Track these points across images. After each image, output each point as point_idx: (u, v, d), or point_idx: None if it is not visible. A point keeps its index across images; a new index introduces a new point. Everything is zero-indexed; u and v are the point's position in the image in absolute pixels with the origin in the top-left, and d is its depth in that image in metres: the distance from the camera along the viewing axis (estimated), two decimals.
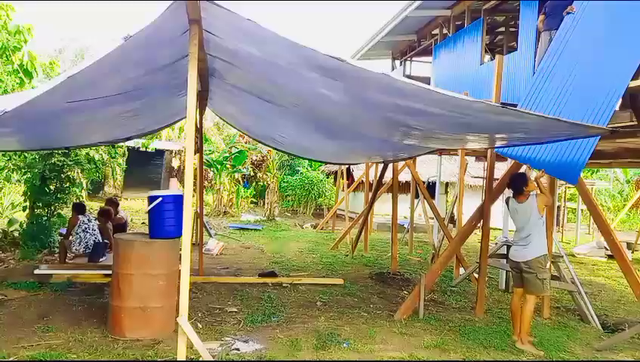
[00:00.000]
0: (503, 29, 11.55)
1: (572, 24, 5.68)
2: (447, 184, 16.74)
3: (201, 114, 7.31)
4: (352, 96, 4.44)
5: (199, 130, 7.36)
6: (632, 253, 12.28)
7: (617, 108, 6.00)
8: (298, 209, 18.63)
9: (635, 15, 4.97)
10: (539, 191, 4.90)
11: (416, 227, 13.57)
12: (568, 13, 5.74)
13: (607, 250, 11.72)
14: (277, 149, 10.70)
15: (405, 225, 12.19)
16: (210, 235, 10.52)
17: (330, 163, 14.19)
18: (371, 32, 12.07)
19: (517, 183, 4.95)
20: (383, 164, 8.86)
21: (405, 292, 6.72)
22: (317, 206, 18.62)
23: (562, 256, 6.57)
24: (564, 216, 18.58)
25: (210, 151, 17.08)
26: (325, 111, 5.42)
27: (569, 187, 17.07)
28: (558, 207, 17.90)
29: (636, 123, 5.19)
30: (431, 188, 12.89)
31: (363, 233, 9.95)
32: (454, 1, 9.70)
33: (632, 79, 4.87)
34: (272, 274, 7.08)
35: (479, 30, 9.10)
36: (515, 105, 6.33)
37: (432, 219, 10.53)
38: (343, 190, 14.53)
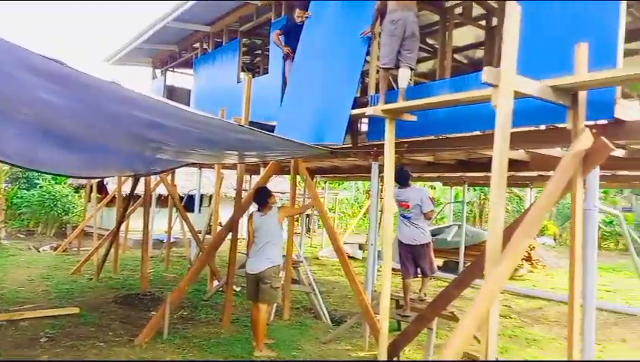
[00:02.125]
0: (260, 51, 12.33)
1: (306, 49, 6.39)
2: (211, 197, 16.86)
3: None
4: (83, 105, 4.00)
5: None
6: (364, 252, 14.60)
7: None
8: (36, 229, 15.88)
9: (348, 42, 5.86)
10: (280, 204, 5.33)
11: (178, 242, 13.22)
12: (307, 17, 6.33)
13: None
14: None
15: (165, 241, 11.71)
16: None
17: (74, 177, 12.65)
18: (128, 37, 11.31)
19: (261, 196, 5.26)
20: (134, 178, 8.32)
21: (154, 313, 6.38)
22: (62, 224, 16.24)
23: (302, 262, 7.31)
24: (315, 223, 20.93)
25: None
26: (54, 120, 4.75)
27: (319, 197, 19.26)
28: (309, 215, 20.06)
29: (352, 145, 6.17)
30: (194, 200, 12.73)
31: (112, 252, 9.11)
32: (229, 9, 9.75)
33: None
34: None
35: (236, 50, 9.46)
36: (268, 125, 6.83)
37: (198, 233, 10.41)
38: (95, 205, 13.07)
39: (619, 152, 5.18)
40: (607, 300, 8.96)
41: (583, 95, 3.20)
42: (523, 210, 17.97)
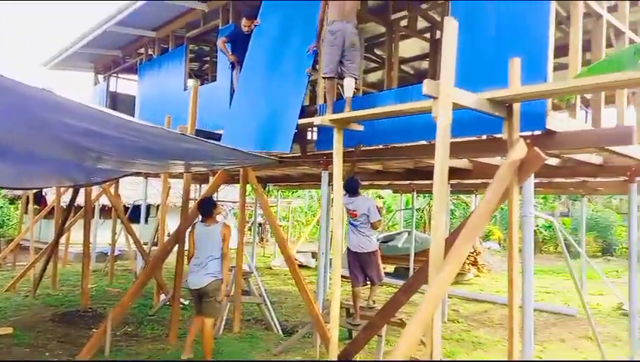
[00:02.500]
0: (209, 58, 12.13)
1: (254, 58, 6.34)
2: (158, 207, 16.32)
3: None
4: (10, 112, 3.76)
5: None
6: (317, 260, 14.59)
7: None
8: None
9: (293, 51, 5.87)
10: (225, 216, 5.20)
11: (123, 254, 12.70)
12: (256, 25, 6.28)
13: (297, 260, 13.60)
14: None
15: (109, 253, 11.21)
16: None
17: (7, 188, 11.95)
18: (68, 41, 10.80)
19: (205, 207, 5.12)
20: (74, 189, 7.93)
21: (95, 330, 6.07)
22: None
23: (252, 273, 7.21)
24: (268, 232, 20.75)
25: None
26: None
27: (272, 206, 19.13)
28: (261, 224, 19.89)
29: (301, 154, 6.16)
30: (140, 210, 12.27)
31: (51, 267, 8.61)
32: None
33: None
34: None
35: (182, 56, 9.25)
36: (216, 133, 6.71)
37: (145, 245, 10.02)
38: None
39: (553, 161, 5.48)
40: (546, 301, 9.43)
41: (517, 107, 3.36)
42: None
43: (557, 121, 3.69)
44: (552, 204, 20.42)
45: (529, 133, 3.78)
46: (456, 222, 20.01)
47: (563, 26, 6.00)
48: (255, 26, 6.32)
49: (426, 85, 2.97)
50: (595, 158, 5.20)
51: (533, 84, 3.28)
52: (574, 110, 3.95)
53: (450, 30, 2.94)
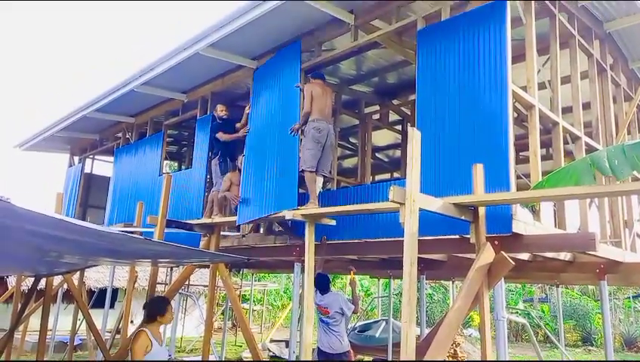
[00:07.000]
0: (187, 142, 12.30)
1: (254, 134, 6.44)
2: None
3: None
4: None
5: None
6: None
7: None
8: None
9: None
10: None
11: (84, 344, 11.88)
12: (248, 112, 6.56)
13: (270, 351, 12.90)
14: None
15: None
16: None
17: None
18: (44, 124, 10.88)
19: (154, 308, 4.38)
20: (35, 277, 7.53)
21: None
22: None
23: None
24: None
25: None
26: None
27: (246, 289, 18.52)
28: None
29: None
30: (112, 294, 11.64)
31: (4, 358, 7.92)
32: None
33: None
34: None
35: (160, 142, 9.35)
36: (190, 223, 6.58)
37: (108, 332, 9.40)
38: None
39: (524, 256, 5.50)
40: None
41: (482, 211, 3.40)
42: (448, 300, 18.30)
43: (523, 225, 3.73)
44: (531, 289, 20.31)
45: (495, 235, 3.79)
46: (436, 306, 19.61)
47: (526, 123, 6.32)
48: (248, 112, 6.59)
49: (393, 192, 3.00)
50: (564, 255, 5.23)
51: (497, 189, 3.36)
52: (539, 214, 4.03)
53: (415, 141, 3.03)
